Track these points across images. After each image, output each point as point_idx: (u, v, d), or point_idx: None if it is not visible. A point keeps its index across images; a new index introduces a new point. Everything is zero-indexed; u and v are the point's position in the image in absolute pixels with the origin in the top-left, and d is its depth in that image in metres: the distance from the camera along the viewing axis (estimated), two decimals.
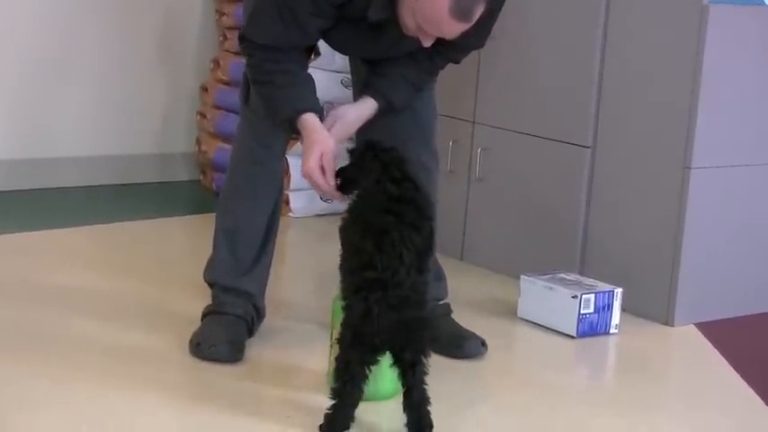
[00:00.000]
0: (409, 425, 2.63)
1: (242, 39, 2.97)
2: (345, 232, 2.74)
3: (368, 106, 3.04)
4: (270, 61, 2.94)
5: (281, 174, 3.24)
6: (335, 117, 3.00)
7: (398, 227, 2.59)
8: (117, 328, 3.26)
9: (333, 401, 2.60)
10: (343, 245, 2.75)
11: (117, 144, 5.15)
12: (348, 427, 2.62)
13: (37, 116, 4.94)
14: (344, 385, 2.58)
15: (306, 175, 2.90)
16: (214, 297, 3.21)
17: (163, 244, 4.31)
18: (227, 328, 3.09)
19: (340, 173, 2.87)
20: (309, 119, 2.93)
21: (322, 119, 2.97)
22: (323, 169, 2.88)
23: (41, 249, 4.05)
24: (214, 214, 3.26)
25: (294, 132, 3.00)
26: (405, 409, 2.63)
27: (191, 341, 3.08)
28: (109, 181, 5.10)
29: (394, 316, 2.55)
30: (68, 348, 3.08)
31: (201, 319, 3.18)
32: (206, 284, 3.24)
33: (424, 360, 2.61)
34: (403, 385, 2.62)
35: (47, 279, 3.68)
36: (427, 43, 2.85)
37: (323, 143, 2.89)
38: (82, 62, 5.01)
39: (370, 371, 2.60)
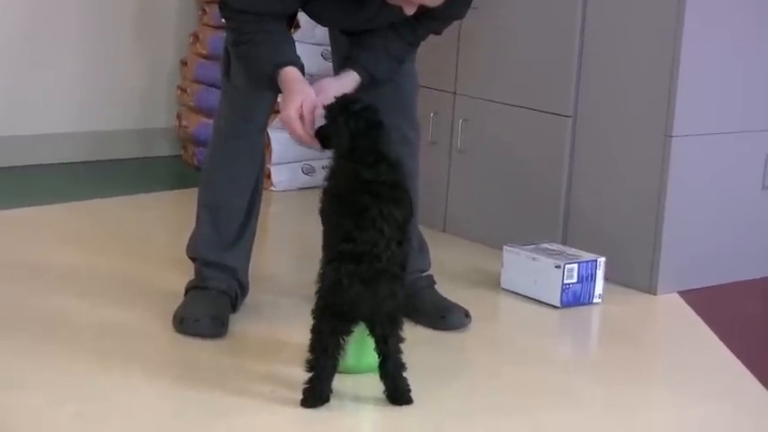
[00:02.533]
0: (387, 393, 2.66)
1: (222, 5, 2.96)
2: (325, 214, 2.75)
3: (350, 79, 3.02)
4: (250, 23, 2.92)
5: (262, 148, 3.23)
6: (317, 90, 2.98)
7: (377, 204, 2.60)
8: (98, 303, 3.25)
9: (309, 374, 2.61)
10: (323, 225, 2.75)
11: (96, 120, 5.12)
12: (327, 399, 2.63)
13: (14, 93, 4.91)
14: (319, 356, 2.59)
15: (285, 122, 2.88)
16: (197, 272, 3.20)
17: (144, 219, 4.29)
18: (211, 303, 3.09)
19: (319, 132, 2.85)
20: (290, 71, 2.91)
21: (303, 74, 2.95)
22: (302, 118, 2.86)
23: (22, 226, 4.03)
24: (196, 189, 3.25)
25: (275, 90, 2.96)
26: (381, 378, 2.65)
27: (174, 317, 3.07)
28: (89, 157, 5.07)
29: (363, 289, 2.55)
30: (49, 325, 3.07)
31: (185, 295, 3.17)
32: (189, 260, 3.23)
33: (398, 331, 2.62)
34: (379, 355, 2.64)
35: (27, 256, 3.67)
36: (410, 11, 2.83)
37: (303, 93, 2.88)
38: (60, 37, 4.98)
39: (345, 341, 2.61)
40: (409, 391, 2.67)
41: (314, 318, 2.62)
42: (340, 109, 2.77)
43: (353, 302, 2.56)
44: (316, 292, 2.63)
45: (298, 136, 2.88)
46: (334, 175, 2.76)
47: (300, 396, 2.62)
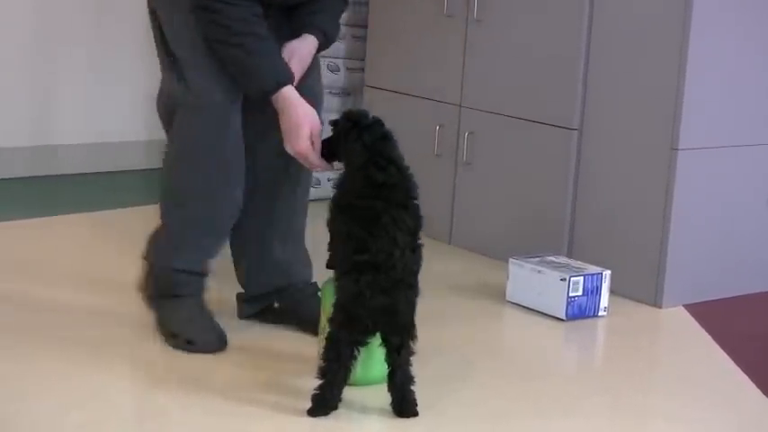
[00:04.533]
0: (393, 404, 2.66)
1: None
2: (334, 223, 2.74)
3: (311, 41, 3.07)
4: (238, 21, 2.85)
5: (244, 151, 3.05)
6: (291, 53, 3.00)
7: (389, 210, 2.61)
8: (102, 312, 3.25)
9: (320, 381, 2.61)
10: (332, 237, 2.75)
11: (106, 131, 5.14)
12: (336, 407, 2.63)
13: (26, 104, 4.93)
14: (332, 364, 2.60)
15: (301, 154, 2.89)
16: (170, 278, 3.07)
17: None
18: (203, 315, 3.06)
19: (325, 145, 2.87)
20: (290, 92, 2.90)
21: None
22: (312, 144, 2.89)
23: (37, 236, 4.05)
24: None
25: (264, 101, 2.93)
26: (389, 390, 2.65)
27: (165, 332, 3.03)
28: (98, 168, 5.09)
29: (385, 299, 2.56)
30: (51, 333, 3.07)
31: (155, 298, 3.08)
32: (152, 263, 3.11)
33: (411, 342, 2.63)
34: (388, 366, 2.64)
35: (39, 266, 3.68)
36: None
37: (311, 119, 2.89)
38: (70, 49, 4.99)
39: (359, 352, 2.62)
40: (416, 404, 2.67)
41: (331, 328, 2.62)
42: (349, 124, 2.78)
43: (376, 313, 2.57)
44: (333, 304, 2.63)
45: (315, 166, 2.91)
46: (342, 185, 2.76)
47: (307, 405, 2.62)
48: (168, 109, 3.03)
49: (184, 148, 2.99)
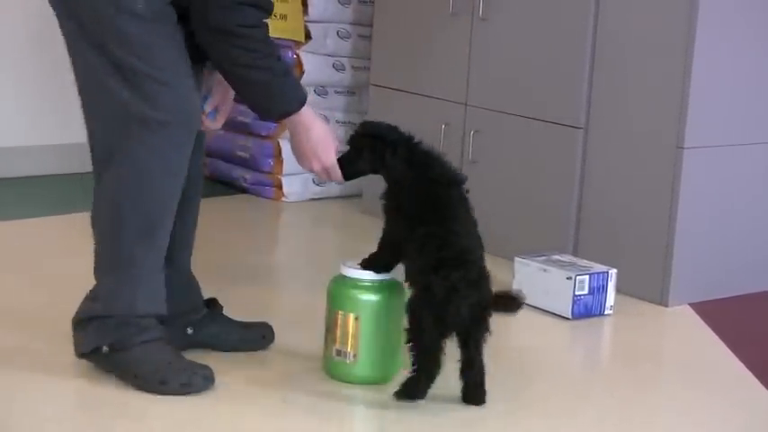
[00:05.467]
0: (467, 392, 2.73)
1: (241, 8, 2.61)
2: (399, 225, 2.75)
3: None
4: (265, 43, 2.67)
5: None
6: (217, 88, 2.88)
7: (461, 205, 2.72)
8: None
9: (412, 374, 2.68)
10: (392, 239, 2.77)
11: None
12: (423, 398, 2.70)
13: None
14: (425, 362, 2.66)
15: (326, 170, 2.82)
16: (136, 325, 2.75)
17: None
18: (178, 357, 2.78)
19: (346, 162, 2.82)
20: (309, 109, 2.81)
21: None
22: None
23: (31, 235, 4.05)
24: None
25: (275, 121, 2.88)
26: (464, 378, 2.73)
27: (147, 378, 2.70)
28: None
29: (475, 293, 2.64)
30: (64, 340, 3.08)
31: (118, 350, 2.73)
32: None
33: (487, 334, 2.71)
34: (465, 356, 2.70)
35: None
36: None
37: (333, 136, 2.83)
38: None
39: (446, 344, 2.69)
40: (486, 394, 2.75)
41: (419, 328, 2.65)
42: (373, 139, 2.78)
43: (468, 308, 2.62)
44: (416, 306, 2.66)
45: (339, 179, 2.85)
46: (395, 189, 2.77)
47: (313, 405, 2.64)
48: (113, 127, 2.68)
49: (147, 168, 2.67)
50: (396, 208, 2.77)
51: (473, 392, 2.73)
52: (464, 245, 2.68)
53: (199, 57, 2.75)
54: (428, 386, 2.70)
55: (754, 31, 3.72)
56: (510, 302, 2.72)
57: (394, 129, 2.82)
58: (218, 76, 2.84)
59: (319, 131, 2.80)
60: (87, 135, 2.75)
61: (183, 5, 2.67)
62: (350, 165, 2.81)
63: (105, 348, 2.73)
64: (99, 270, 2.79)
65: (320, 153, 2.80)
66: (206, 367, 2.75)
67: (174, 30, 2.68)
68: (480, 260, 2.70)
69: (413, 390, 2.69)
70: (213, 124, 2.90)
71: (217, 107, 2.90)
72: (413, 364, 2.68)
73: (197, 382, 2.71)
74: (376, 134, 2.80)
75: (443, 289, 2.61)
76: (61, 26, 2.70)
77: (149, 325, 2.75)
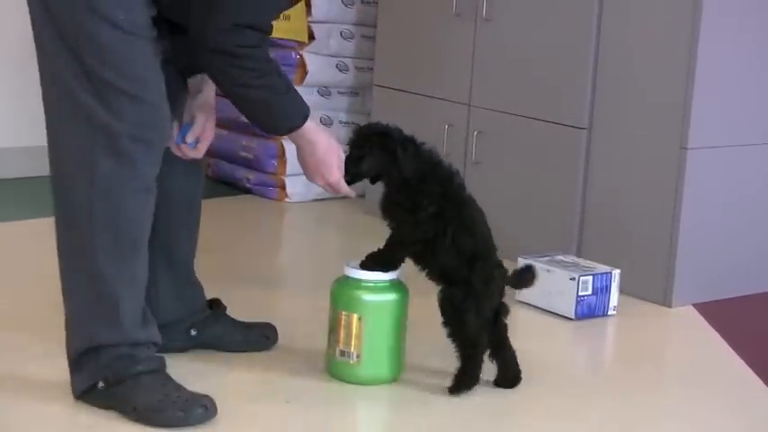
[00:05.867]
0: (505, 374, 2.87)
1: (240, 30, 2.56)
2: (426, 224, 2.78)
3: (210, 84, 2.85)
4: (265, 61, 2.63)
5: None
6: (200, 104, 2.83)
7: (471, 196, 2.86)
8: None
9: (465, 364, 2.78)
10: (405, 238, 2.80)
11: None
12: (478, 382, 2.82)
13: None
14: (475, 349, 2.78)
15: (334, 187, 2.80)
16: (132, 356, 2.62)
17: None
18: (178, 388, 2.62)
19: (351, 164, 2.80)
20: (312, 123, 2.77)
21: None
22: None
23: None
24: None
25: (276, 135, 2.84)
26: (499, 361, 2.86)
27: (148, 416, 2.55)
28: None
29: (503, 276, 2.82)
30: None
31: (111, 385, 2.60)
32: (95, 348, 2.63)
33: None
34: (498, 338, 2.83)
35: None
36: None
37: (337, 148, 2.80)
38: None
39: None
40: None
41: (464, 320, 2.76)
42: (383, 137, 2.79)
43: (499, 290, 2.82)
44: (462, 298, 2.75)
45: (346, 193, 2.84)
46: (404, 192, 2.79)
47: (317, 404, 2.63)
48: (75, 135, 2.55)
49: (110, 182, 2.54)
50: (407, 207, 2.77)
51: (512, 371, 2.86)
52: (485, 234, 2.81)
53: (183, 78, 2.75)
54: (479, 373, 2.79)
55: (757, 31, 3.72)
56: (527, 276, 2.87)
57: (398, 129, 2.82)
58: (200, 102, 2.82)
59: (323, 147, 2.77)
60: (47, 141, 2.59)
61: (176, 22, 2.64)
62: (355, 166, 2.80)
63: (101, 384, 2.60)
64: (67, 293, 2.63)
65: (324, 169, 2.78)
66: (206, 397, 2.59)
67: (153, 46, 2.60)
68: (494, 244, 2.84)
69: (469, 379, 2.78)
70: (193, 153, 2.83)
71: (198, 137, 2.83)
72: (459, 357, 2.78)
73: (197, 413, 2.54)
74: (385, 132, 2.79)
75: (482, 280, 2.75)
76: (34, 28, 2.59)
77: (150, 355, 2.64)
